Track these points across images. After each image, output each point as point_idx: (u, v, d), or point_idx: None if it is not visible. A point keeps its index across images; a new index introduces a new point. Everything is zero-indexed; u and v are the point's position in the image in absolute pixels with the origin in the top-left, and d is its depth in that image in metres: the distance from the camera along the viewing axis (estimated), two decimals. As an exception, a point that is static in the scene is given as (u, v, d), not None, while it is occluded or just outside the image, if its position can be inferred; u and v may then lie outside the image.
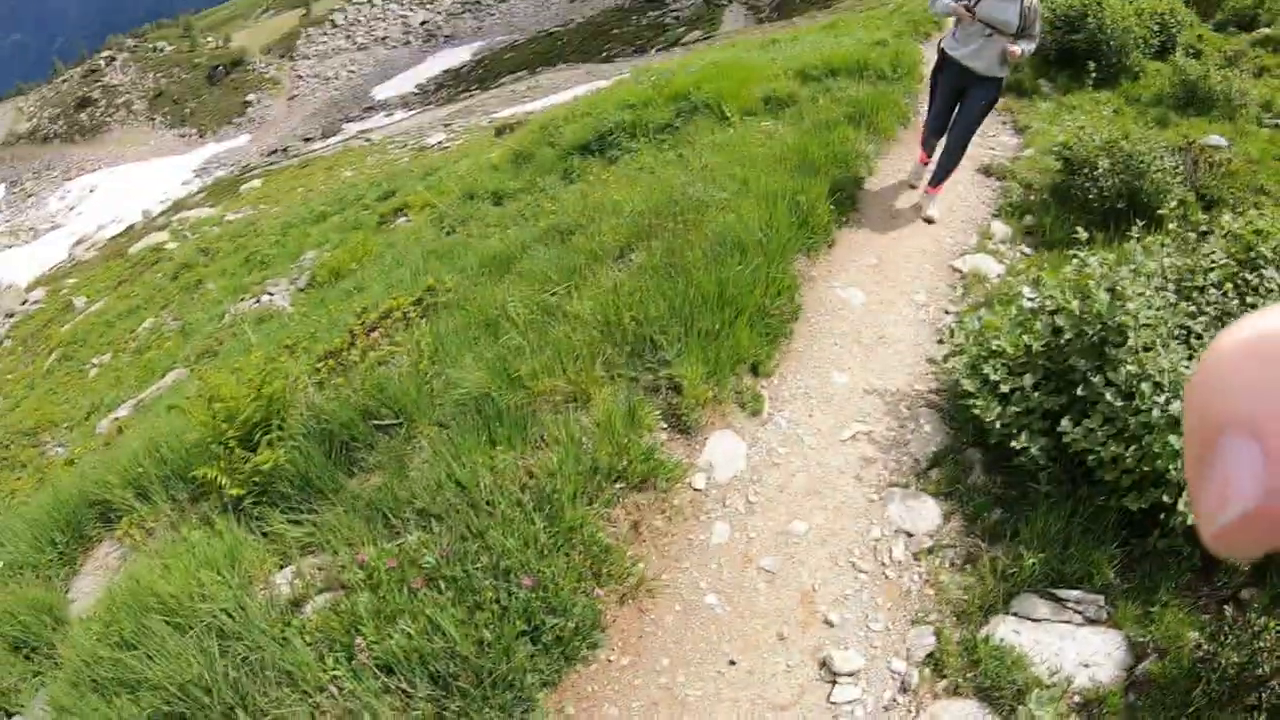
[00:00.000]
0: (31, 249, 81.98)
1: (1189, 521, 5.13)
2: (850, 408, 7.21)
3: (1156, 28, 17.24)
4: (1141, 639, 5.04)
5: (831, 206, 9.53)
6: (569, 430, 6.13)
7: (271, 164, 73.85)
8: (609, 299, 7.41)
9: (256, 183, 58.47)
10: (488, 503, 5.57)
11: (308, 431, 6.68)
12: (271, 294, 19.81)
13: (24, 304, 48.11)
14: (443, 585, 5.07)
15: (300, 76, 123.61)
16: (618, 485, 5.91)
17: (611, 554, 5.44)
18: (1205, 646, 4.77)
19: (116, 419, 16.33)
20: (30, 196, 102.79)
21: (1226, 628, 4.82)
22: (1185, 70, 14.65)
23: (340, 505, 5.95)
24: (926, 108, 10.71)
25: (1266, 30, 18.58)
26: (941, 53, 9.94)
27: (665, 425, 6.57)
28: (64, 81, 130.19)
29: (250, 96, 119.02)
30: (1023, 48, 9.12)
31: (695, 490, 6.29)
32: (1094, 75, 14.66)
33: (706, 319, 7.13)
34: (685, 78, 14.82)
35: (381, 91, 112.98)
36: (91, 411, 20.04)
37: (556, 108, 22.88)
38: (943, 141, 10.31)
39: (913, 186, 10.85)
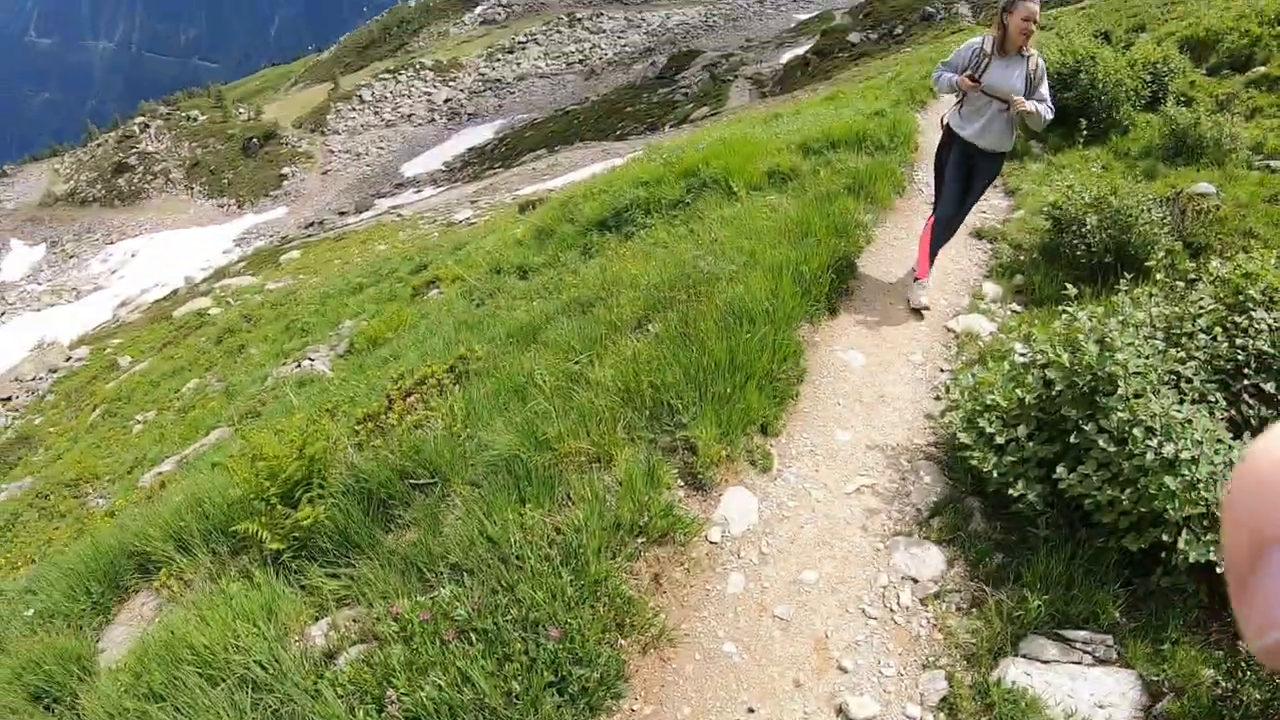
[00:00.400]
0: (74, 308, 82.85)
1: (1191, 559, 5.10)
2: (854, 462, 7.25)
3: (1149, 78, 17.04)
4: (1155, 678, 4.94)
5: (832, 275, 9.59)
6: (593, 489, 6.18)
7: (309, 236, 74.22)
8: (628, 367, 7.52)
9: (295, 254, 58.79)
10: (517, 557, 5.61)
11: (347, 490, 6.76)
12: (312, 359, 19.90)
13: (68, 361, 48.59)
14: (474, 637, 5.09)
15: (332, 151, 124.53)
16: (639, 540, 5.95)
17: (634, 605, 5.46)
18: (1224, 684, 4.70)
19: (160, 474, 16.35)
20: (71, 258, 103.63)
21: (1244, 663, 4.75)
22: (1175, 120, 14.29)
23: (377, 560, 6.00)
24: (934, 196, 10.48)
25: (1262, 69, 18.20)
26: (947, 129, 9.76)
27: (682, 483, 6.63)
28: (99, 145, 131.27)
29: (285, 170, 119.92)
30: (1036, 106, 8.93)
31: (711, 543, 6.32)
32: (1084, 133, 14.47)
33: (719, 384, 7.22)
34: (694, 155, 14.95)
35: (410, 168, 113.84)
36: (134, 465, 20.11)
37: (575, 185, 23.07)
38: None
39: (916, 310, 9.93)
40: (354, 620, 5.59)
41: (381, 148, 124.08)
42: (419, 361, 10.08)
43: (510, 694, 4.76)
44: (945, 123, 9.81)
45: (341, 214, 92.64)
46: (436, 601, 5.39)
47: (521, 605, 5.23)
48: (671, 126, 76.78)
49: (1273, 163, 13.27)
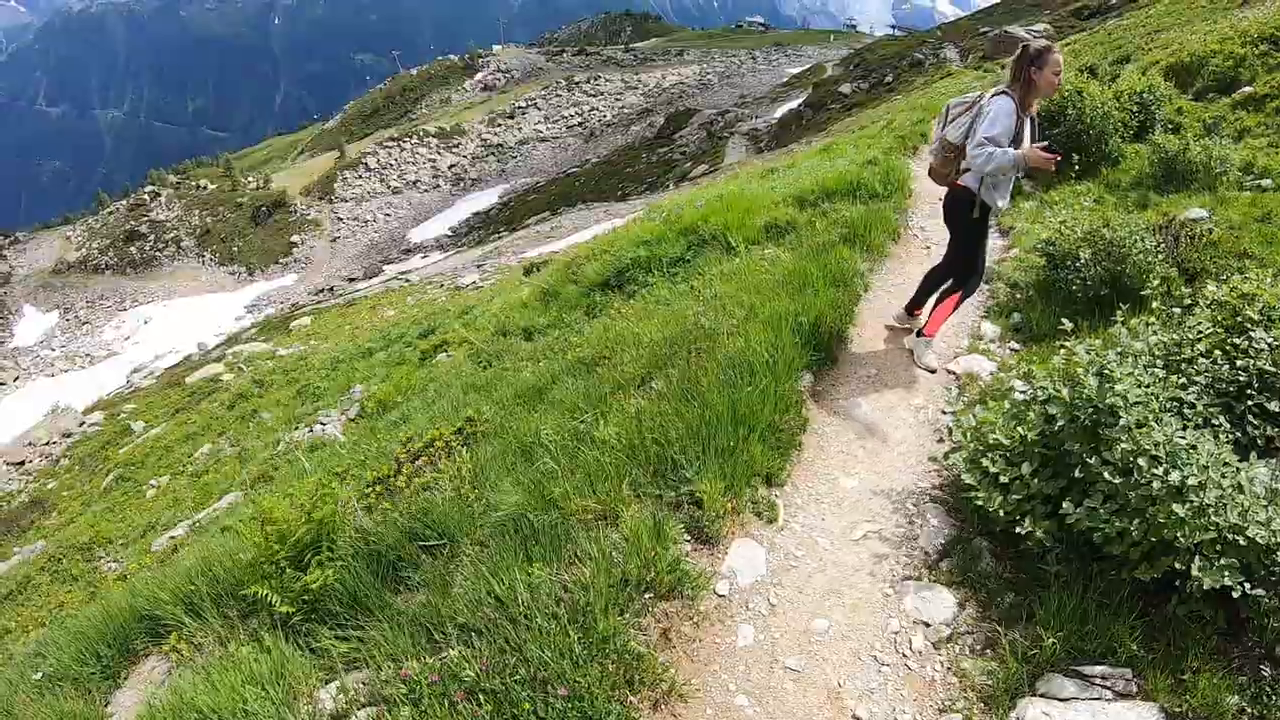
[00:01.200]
0: (87, 374, 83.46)
1: (1206, 585, 4.98)
2: (860, 509, 7.19)
3: (1136, 108, 17.04)
4: (1179, 709, 4.81)
5: (832, 325, 9.54)
6: (600, 546, 6.11)
7: (319, 303, 74.65)
8: (633, 424, 7.48)
9: (305, 320, 59.12)
10: (525, 616, 5.53)
11: (356, 552, 6.70)
12: (324, 424, 19.93)
13: (81, 426, 48.85)
14: (482, 699, 4.99)
15: (340, 219, 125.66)
16: (647, 595, 5.87)
17: (643, 661, 5.35)
18: (1249, 710, 4.65)
19: (172, 538, 16.35)
20: (84, 324, 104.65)
21: (1269, 688, 4.70)
22: (1164, 147, 14.22)
23: (386, 621, 5.92)
24: (947, 253, 9.77)
25: (1248, 89, 18.25)
26: (976, 201, 8.79)
27: (689, 537, 6.54)
28: (110, 213, 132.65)
29: (295, 237, 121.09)
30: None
31: (720, 596, 6.22)
32: (1076, 168, 14.40)
33: (722, 438, 7.15)
34: (693, 212, 15.03)
35: (417, 234, 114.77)
36: (147, 530, 20.12)
37: (578, 246, 23.08)
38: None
39: (932, 370, 9.60)
40: (363, 683, 5.54)
41: (388, 214, 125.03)
42: (427, 424, 10.06)
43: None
44: (969, 189, 8.79)
45: (351, 280, 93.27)
46: (445, 663, 5.30)
47: (530, 665, 5.15)
48: (672, 185, 77.22)
49: (1263, 182, 13.19)
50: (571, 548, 6.19)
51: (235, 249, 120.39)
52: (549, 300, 15.38)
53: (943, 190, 9.39)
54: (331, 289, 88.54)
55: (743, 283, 10.70)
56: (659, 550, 6.09)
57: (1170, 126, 16.99)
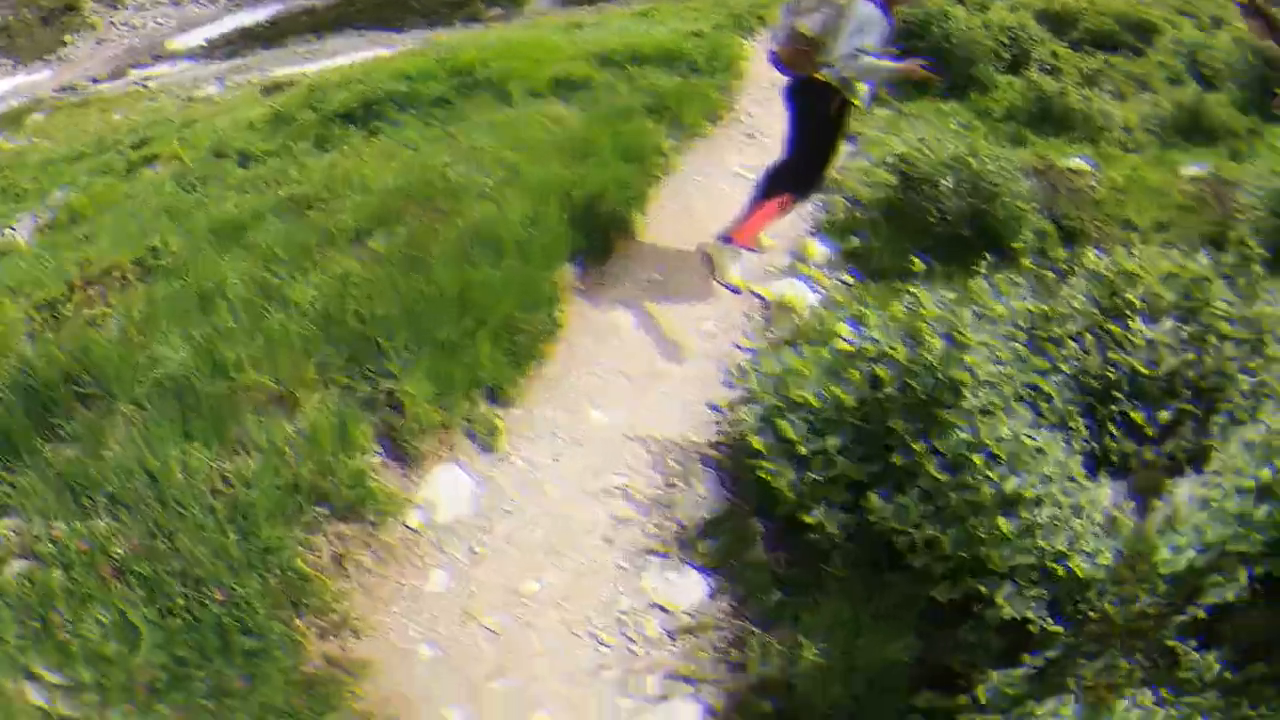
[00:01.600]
0: None
1: (1005, 615, 4.51)
2: (608, 454, 6.46)
3: (1007, 41, 16.88)
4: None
5: (614, 207, 8.81)
6: (272, 437, 5.61)
7: (58, 100, 72.76)
8: (335, 288, 6.76)
9: (40, 116, 57.25)
10: (178, 503, 5.13)
11: (15, 384, 6.11)
12: (14, 230, 18.77)
13: None
14: (134, 581, 4.79)
15: (113, 24, 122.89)
16: (320, 509, 5.41)
17: (311, 584, 5.08)
18: None
19: None
20: None
21: None
22: (1040, 86, 14.25)
23: (35, 472, 5.42)
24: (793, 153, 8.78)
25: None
26: (843, 102, 8.22)
27: (380, 449, 5.91)
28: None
29: (68, 36, 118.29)
30: None
31: (410, 530, 5.68)
32: (942, 84, 14.08)
33: (444, 327, 6.52)
34: (472, 53, 14.45)
35: (177, 43, 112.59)
36: None
37: (332, 70, 22.45)
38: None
39: (736, 290, 8.64)
40: (16, 533, 5.17)
41: (160, 23, 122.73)
42: (111, 247, 9.37)
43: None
44: (828, 83, 8.06)
45: (94, 81, 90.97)
46: (94, 532, 5.00)
47: (182, 557, 4.92)
48: (459, 24, 76.75)
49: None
50: (239, 432, 5.73)
51: (19, 44, 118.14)
52: (280, 125, 14.77)
53: (780, 77, 8.55)
54: (74, 87, 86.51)
55: (512, 138, 10.10)
56: (341, 457, 5.63)
57: (1046, 68, 17.07)
